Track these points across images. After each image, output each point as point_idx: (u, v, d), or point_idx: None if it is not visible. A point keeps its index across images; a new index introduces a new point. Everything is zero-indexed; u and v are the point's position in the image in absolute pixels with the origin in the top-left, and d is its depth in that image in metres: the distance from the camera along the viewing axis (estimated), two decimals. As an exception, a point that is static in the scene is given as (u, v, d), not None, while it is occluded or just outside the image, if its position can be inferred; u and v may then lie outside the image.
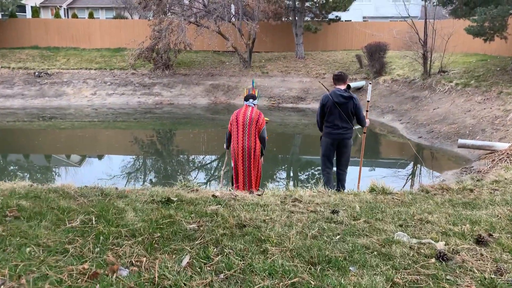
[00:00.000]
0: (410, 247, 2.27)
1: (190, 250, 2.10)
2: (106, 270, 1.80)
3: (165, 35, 20.81)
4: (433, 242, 2.34)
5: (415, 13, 24.96)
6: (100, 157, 12.92)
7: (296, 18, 23.45)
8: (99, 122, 17.73)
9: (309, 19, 24.71)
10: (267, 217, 2.77)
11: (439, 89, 16.20)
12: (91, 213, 2.52)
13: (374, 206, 3.28)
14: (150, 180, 10.71)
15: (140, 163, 12.33)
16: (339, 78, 6.39)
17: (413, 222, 2.83)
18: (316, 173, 11.48)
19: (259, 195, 3.61)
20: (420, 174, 11.25)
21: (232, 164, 5.96)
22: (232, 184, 6.05)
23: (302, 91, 20.45)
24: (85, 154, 13.11)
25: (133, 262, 1.92)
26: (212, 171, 10.92)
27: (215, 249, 2.10)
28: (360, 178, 6.92)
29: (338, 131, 6.21)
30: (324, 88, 6.65)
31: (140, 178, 10.85)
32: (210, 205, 3.06)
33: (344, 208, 3.18)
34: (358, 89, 19.44)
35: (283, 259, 2.13)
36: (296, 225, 2.59)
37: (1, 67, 22.74)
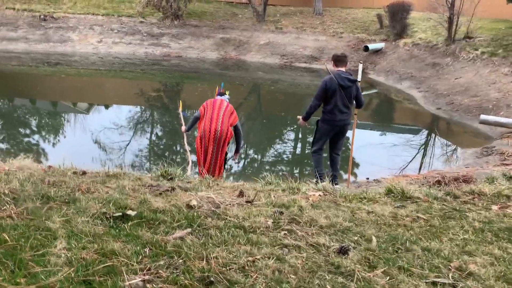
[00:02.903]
0: None
1: None
2: None
3: (176, -19, 19.64)
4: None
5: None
6: (106, 107, 12.75)
7: (317, -31, 21.95)
8: (106, 71, 17.24)
9: (330, -29, 23.13)
10: (249, 259, 2.06)
11: (463, 57, 15.10)
12: (0, 246, 1.87)
13: (395, 235, 2.56)
14: (155, 135, 10.38)
15: (144, 118, 12.06)
16: (342, 59, 6.01)
17: (450, 275, 2.12)
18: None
19: (250, 202, 2.92)
20: (433, 145, 10.58)
21: (198, 147, 5.75)
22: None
23: (317, 50, 19.36)
24: (93, 102, 12.93)
25: None
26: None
27: None
28: (350, 168, 6.57)
29: (340, 117, 5.85)
30: (328, 71, 5.98)
31: (140, 133, 10.45)
32: (178, 225, 2.38)
33: (356, 239, 2.48)
34: (377, 51, 18.36)
35: None
36: (288, 280, 1.92)
37: (6, 8, 21.72)
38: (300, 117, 6.29)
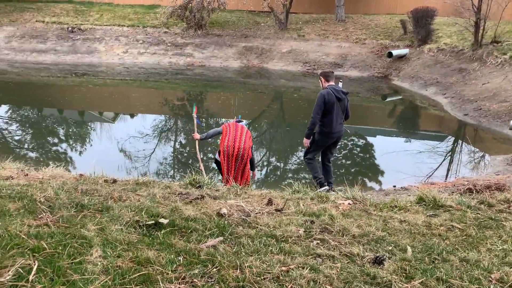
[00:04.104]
0: None
1: None
2: None
3: (199, -8, 19.90)
4: None
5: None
6: (132, 116, 13.00)
7: (339, -24, 21.90)
8: (131, 81, 17.54)
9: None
10: (283, 269, 2.04)
11: (491, 61, 14.79)
12: (38, 252, 1.90)
13: (431, 245, 2.49)
14: (179, 143, 10.50)
15: (168, 126, 12.16)
16: (332, 75, 6.36)
17: (491, 287, 2.05)
18: (349, 143, 10.85)
19: (279, 210, 2.89)
20: (461, 152, 10.34)
21: (222, 162, 6.11)
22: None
23: (340, 57, 19.28)
24: (119, 112, 13.27)
25: None
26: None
27: None
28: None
29: (337, 129, 6.20)
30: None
31: (166, 142, 10.57)
32: (209, 234, 2.37)
33: (390, 249, 2.42)
34: (401, 57, 18.16)
35: None
36: None
37: (36, 21, 22.50)
38: (304, 140, 6.38)
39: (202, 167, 6.57)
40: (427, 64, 16.96)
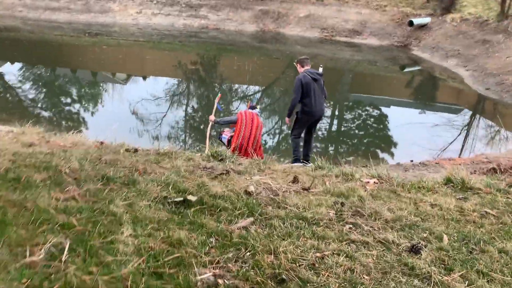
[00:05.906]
0: None
1: None
2: None
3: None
4: None
5: None
6: (144, 78, 12.97)
7: None
8: (145, 42, 17.28)
9: None
10: (318, 255, 1.99)
11: (516, 33, 14.31)
12: (68, 229, 1.86)
13: (466, 233, 2.41)
14: (191, 107, 10.45)
15: (180, 90, 12.07)
16: (307, 61, 6.80)
17: None
18: (363, 113, 10.74)
19: (306, 189, 2.82)
20: (481, 127, 10.14)
21: (232, 149, 6.14)
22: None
23: (359, 24, 18.76)
24: (131, 73, 13.31)
25: None
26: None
27: None
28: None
29: (318, 108, 6.57)
30: None
31: (179, 107, 10.53)
32: (239, 213, 2.32)
33: (425, 236, 2.35)
34: (422, 26, 17.63)
35: None
36: (362, 281, 1.81)
37: (48, -23, 22.09)
38: (286, 119, 6.88)
39: (207, 145, 6.59)
40: (449, 34, 16.45)
